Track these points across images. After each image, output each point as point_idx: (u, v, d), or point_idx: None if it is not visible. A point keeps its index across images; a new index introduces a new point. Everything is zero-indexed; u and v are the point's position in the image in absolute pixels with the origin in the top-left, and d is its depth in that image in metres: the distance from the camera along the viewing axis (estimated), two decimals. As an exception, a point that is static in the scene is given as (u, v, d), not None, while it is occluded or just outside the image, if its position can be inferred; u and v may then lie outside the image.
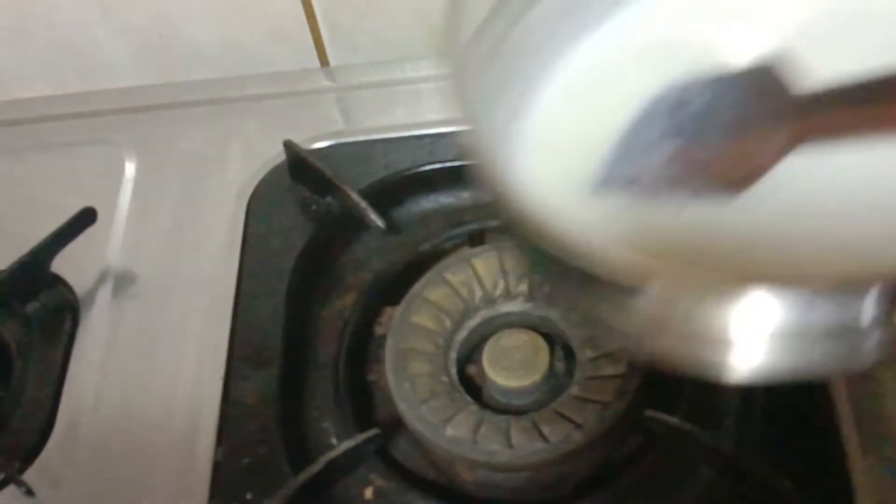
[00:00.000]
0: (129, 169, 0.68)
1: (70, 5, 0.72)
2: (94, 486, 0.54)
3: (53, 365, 0.59)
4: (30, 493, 0.53)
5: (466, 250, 0.59)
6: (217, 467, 0.53)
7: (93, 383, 0.58)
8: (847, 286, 0.33)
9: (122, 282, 0.62)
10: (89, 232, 0.62)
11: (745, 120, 0.44)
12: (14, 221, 0.67)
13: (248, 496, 0.52)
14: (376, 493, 0.52)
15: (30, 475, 0.54)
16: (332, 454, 0.51)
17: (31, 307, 0.62)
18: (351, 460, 0.52)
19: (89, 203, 0.63)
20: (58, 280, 0.62)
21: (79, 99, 0.74)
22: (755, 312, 0.34)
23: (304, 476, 0.50)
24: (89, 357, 0.59)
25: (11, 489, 0.54)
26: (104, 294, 0.62)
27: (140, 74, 0.76)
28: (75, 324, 0.61)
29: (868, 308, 0.33)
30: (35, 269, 0.61)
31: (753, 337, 0.35)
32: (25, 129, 0.73)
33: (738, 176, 0.42)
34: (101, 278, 0.63)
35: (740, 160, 0.42)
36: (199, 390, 0.57)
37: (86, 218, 0.62)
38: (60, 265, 0.62)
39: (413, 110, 0.69)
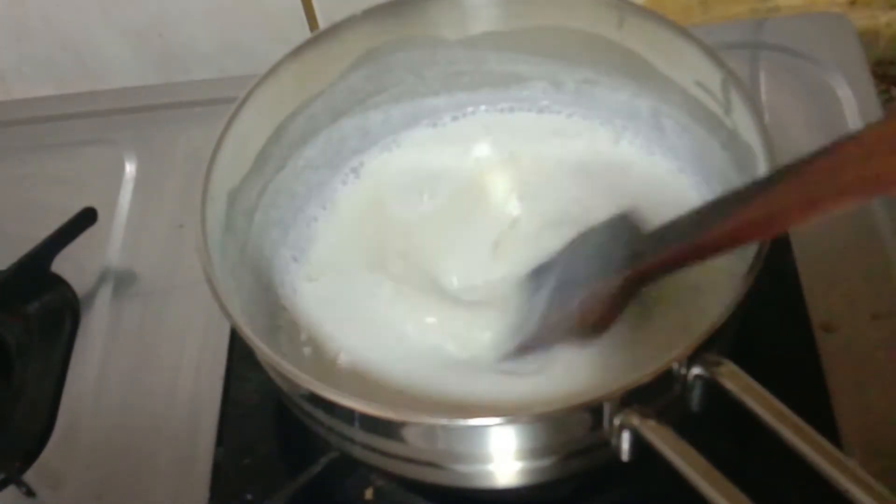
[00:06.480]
0: (129, 169, 0.68)
1: (70, 5, 0.72)
2: (94, 486, 0.54)
3: (53, 365, 0.59)
4: (30, 493, 0.53)
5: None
6: (217, 467, 0.53)
7: (93, 383, 0.58)
8: (587, 404, 0.40)
9: (122, 282, 0.62)
10: (89, 232, 0.62)
11: (600, 267, 0.49)
12: (14, 221, 0.67)
13: (248, 496, 0.52)
14: (376, 493, 0.52)
15: (30, 475, 0.54)
16: (332, 454, 0.51)
17: (31, 307, 0.62)
18: (351, 460, 0.52)
19: (89, 203, 0.63)
20: (58, 280, 0.62)
21: (79, 99, 0.74)
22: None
23: (304, 476, 0.50)
24: (89, 357, 0.59)
25: (11, 489, 0.54)
26: (104, 294, 0.62)
27: (140, 74, 0.76)
28: (75, 324, 0.61)
29: (608, 416, 0.41)
30: (35, 269, 0.61)
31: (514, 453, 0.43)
32: (25, 129, 0.73)
33: (594, 321, 0.48)
34: (101, 278, 0.63)
35: (595, 306, 0.48)
36: (199, 390, 0.57)
37: (86, 218, 0.62)
38: (60, 265, 0.62)
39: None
